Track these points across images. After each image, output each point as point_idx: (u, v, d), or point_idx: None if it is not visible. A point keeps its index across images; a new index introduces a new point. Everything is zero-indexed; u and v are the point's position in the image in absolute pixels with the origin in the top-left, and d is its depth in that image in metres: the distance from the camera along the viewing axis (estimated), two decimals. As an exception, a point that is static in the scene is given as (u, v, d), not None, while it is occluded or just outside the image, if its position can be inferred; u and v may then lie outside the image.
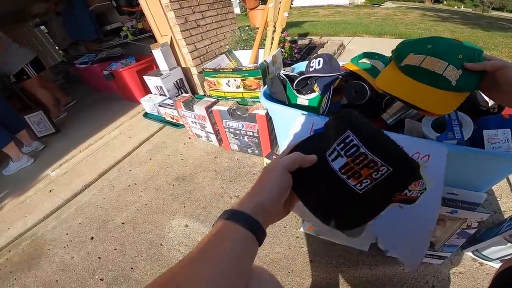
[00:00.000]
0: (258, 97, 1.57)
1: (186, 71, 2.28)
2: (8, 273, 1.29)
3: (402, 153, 0.35)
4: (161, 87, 2.10)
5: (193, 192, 1.49)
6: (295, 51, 2.62)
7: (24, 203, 1.71)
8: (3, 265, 1.34)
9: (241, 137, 1.58)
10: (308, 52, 3.21)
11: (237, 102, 1.62)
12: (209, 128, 1.69)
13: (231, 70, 1.51)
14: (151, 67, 2.48)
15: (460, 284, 0.90)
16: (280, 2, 1.83)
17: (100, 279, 1.17)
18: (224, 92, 1.65)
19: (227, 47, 2.50)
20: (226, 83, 1.59)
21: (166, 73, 2.10)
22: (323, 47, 3.26)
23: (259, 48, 1.90)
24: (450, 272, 0.94)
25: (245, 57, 2.03)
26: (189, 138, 1.96)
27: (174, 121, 2.04)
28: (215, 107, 1.56)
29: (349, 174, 0.37)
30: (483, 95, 0.78)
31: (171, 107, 1.96)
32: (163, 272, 0.30)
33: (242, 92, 1.58)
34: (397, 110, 0.85)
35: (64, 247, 1.36)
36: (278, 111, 1.04)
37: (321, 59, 1.04)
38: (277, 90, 1.12)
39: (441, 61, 0.56)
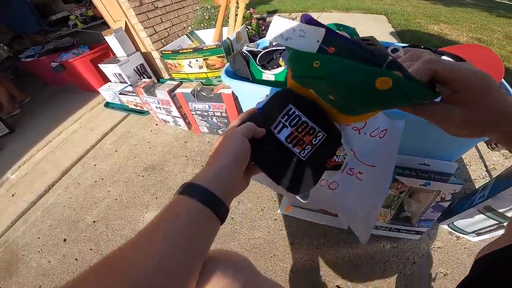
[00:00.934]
0: None
1: (147, 56, 2.12)
2: None
3: (330, 122, 0.42)
4: (120, 74, 1.95)
5: (164, 181, 1.45)
6: (263, 27, 2.52)
7: (-14, 210, 1.59)
8: None
9: (210, 119, 1.52)
10: None
11: (202, 83, 1.54)
12: (175, 112, 1.61)
13: (191, 50, 1.42)
14: (107, 55, 2.28)
15: (440, 259, 0.94)
16: (242, -23, 1.72)
17: None
18: (187, 73, 1.56)
19: (190, 28, 2.36)
20: (188, 64, 1.50)
21: (124, 59, 1.93)
22: None
23: (222, 26, 1.80)
24: (429, 247, 0.98)
25: (208, 37, 1.90)
26: (156, 124, 1.86)
27: (138, 108, 1.93)
28: (178, 90, 1.47)
29: (294, 142, 0.41)
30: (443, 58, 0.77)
31: (132, 93, 1.84)
32: (111, 250, 0.27)
33: (206, 72, 1.50)
34: None
35: (39, 251, 1.30)
36: (243, 89, 0.99)
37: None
38: (240, 67, 1.06)
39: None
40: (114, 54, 2.05)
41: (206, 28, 2.04)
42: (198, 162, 1.49)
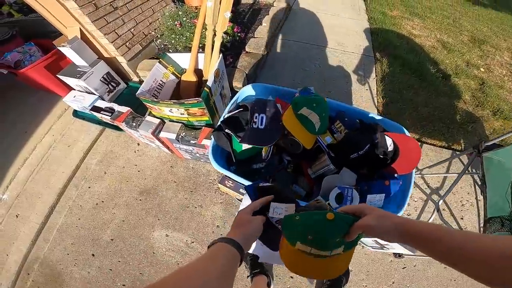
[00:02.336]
0: (204, 121, 1.68)
1: (112, 61, 1.99)
2: None
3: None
4: (85, 87, 1.90)
5: (161, 205, 1.85)
6: (237, 31, 2.37)
7: (-1, 231, 1.83)
8: (35, 286, 1.64)
9: (193, 154, 1.82)
10: (252, 18, 2.89)
11: (184, 124, 1.70)
12: (158, 143, 1.83)
13: (172, 103, 1.54)
14: (63, 58, 2.00)
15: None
16: (220, 2, 1.62)
17: (123, 285, 1.62)
18: (168, 115, 1.69)
19: (157, 35, 2.12)
20: (169, 111, 1.63)
21: (87, 70, 1.84)
22: (268, 12, 2.98)
23: (198, 52, 1.76)
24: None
25: (182, 60, 1.86)
26: (138, 144, 2.05)
27: (115, 124, 2.00)
28: (162, 134, 1.67)
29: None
30: (386, 139, 1.16)
31: (108, 114, 1.89)
32: (170, 274, 0.44)
33: (187, 117, 1.67)
34: (318, 168, 1.28)
35: (75, 265, 1.68)
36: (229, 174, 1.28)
37: (264, 117, 1.23)
38: (223, 143, 1.34)
39: (325, 251, 0.63)
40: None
41: (178, 51, 1.92)
42: (186, 188, 1.89)
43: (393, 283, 1.57)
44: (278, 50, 2.63)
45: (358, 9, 3.77)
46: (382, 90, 2.39)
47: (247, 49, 2.43)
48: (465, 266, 0.46)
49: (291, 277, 1.60)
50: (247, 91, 1.52)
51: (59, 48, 1.77)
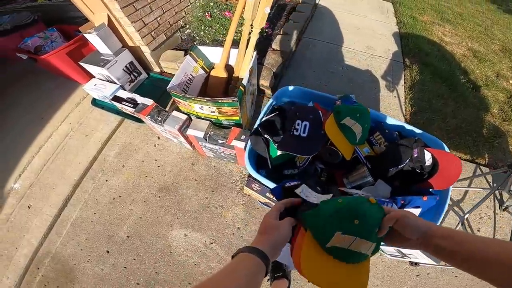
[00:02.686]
0: (234, 120, 1.60)
1: (135, 50, 1.91)
2: None
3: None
4: (108, 75, 1.81)
5: (181, 203, 1.77)
6: (266, 27, 2.27)
7: (9, 221, 1.75)
8: (45, 281, 1.59)
9: (218, 153, 1.73)
10: (278, 14, 2.80)
11: (212, 122, 1.62)
12: (181, 139, 1.74)
13: (205, 100, 1.46)
14: (86, 46, 1.94)
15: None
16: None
17: (137, 283, 1.56)
18: (196, 112, 1.61)
19: (185, 24, 2.02)
20: (199, 107, 1.55)
21: (111, 59, 1.76)
22: (294, 9, 2.90)
23: (231, 48, 1.68)
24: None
25: (213, 54, 1.77)
26: (158, 138, 1.97)
27: (138, 116, 1.92)
28: (189, 132, 1.58)
29: None
30: (426, 154, 1.12)
31: (130, 105, 1.81)
32: (202, 282, 0.44)
33: (217, 116, 1.59)
34: (356, 179, 1.20)
35: (88, 261, 1.62)
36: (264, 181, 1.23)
37: (307, 125, 1.16)
38: (260, 148, 1.28)
39: (368, 242, 0.57)
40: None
41: (205, 44, 1.85)
42: (208, 187, 1.80)
43: None
44: (304, 49, 2.53)
45: (386, 12, 3.66)
46: (411, 99, 2.31)
47: (273, 46, 2.34)
48: (483, 270, 0.46)
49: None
50: (284, 93, 1.45)
51: (85, 34, 1.69)
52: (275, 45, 2.35)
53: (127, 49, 1.88)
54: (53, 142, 1.95)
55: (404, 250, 1.35)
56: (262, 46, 2.30)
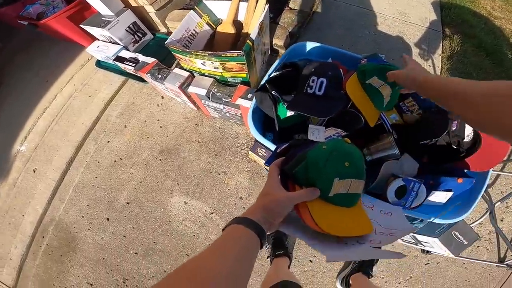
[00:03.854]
0: (241, 77, 1.41)
1: (139, 10, 1.76)
2: (59, 257, 1.55)
3: None
4: (109, 36, 1.71)
5: (182, 167, 1.62)
6: None
7: (16, 186, 1.75)
8: (49, 251, 1.58)
9: (223, 113, 1.56)
10: None
11: (216, 79, 1.44)
12: (184, 98, 1.60)
13: (207, 54, 1.29)
14: (87, 8, 1.84)
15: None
16: None
17: (135, 253, 1.49)
18: (199, 68, 1.46)
19: None
20: (202, 63, 1.39)
21: (113, 20, 1.64)
22: None
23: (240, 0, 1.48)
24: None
25: (219, 9, 1.58)
26: (162, 97, 1.82)
27: (138, 75, 1.82)
28: (191, 89, 1.41)
29: None
30: (466, 127, 0.94)
31: (132, 65, 1.69)
32: (188, 260, 0.37)
33: (221, 72, 1.42)
34: (379, 150, 0.99)
35: (89, 229, 1.57)
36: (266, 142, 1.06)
37: (324, 82, 0.95)
38: (266, 107, 1.10)
39: (362, 181, 0.58)
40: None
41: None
42: (211, 150, 1.63)
43: (410, 277, 1.41)
44: (326, 10, 2.25)
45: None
46: (448, 69, 1.96)
47: (291, 5, 2.10)
48: (462, 109, 0.49)
49: (310, 260, 1.42)
50: (299, 49, 1.25)
51: None
52: (293, 3, 2.10)
53: (129, 9, 1.75)
54: (57, 103, 1.90)
55: (419, 237, 1.26)
56: (278, 4, 2.08)
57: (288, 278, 0.99)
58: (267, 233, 0.49)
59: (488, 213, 1.34)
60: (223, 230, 0.46)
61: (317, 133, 0.88)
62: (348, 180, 0.55)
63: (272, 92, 1.04)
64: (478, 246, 1.46)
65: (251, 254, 0.42)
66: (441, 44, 2.11)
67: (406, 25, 2.18)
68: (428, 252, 1.39)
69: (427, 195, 0.90)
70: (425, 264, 1.43)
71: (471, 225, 1.27)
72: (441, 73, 1.94)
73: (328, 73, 0.96)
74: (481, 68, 2.09)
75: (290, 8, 2.10)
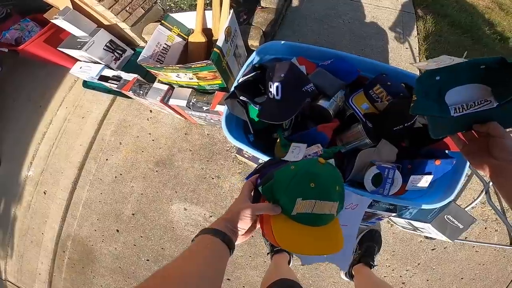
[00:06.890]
0: (217, 84, 1.45)
1: (113, 28, 1.78)
2: (81, 268, 1.72)
3: None
4: (89, 57, 1.76)
5: (178, 176, 1.73)
6: None
7: (30, 208, 1.90)
8: (71, 263, 1.75)
9: (207, 120, 1.63)
10: None
11: (195, 89, 1.50)
12: (169, 110, 1.66)
13: (178, 68, 1.35)
14: (62, 30, 1.82)
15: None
16: None
17: (147, 260, 1.64)
18: (176, 81, 1.51)
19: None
20: (176, 76, 1.45)
21: (87, 40, 1.67)
22: None
23: (205, 9, 1.50)
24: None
25: (188, 20, 1.59)
26: (150, 111, 1.90)
27: (125, 92, 1.89)
28: (172, 101, 1.48)
29: None
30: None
31: (115, 83, 1.75)
32: (165, 264, 0.43)
33: (197, 82, 1.48)
34: (350, 140, 1.05)
35: (102, 241, 1.72)
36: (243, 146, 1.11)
37: (279, 85, 0.98)
38: (238, 112, 1.14)
39: (329, 203, 0.57)
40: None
41: (183, 10, 1.69)
42: (203, 157, 1.73)
43: (418, 264, 1.44)
44: (298, 4, 2.25)
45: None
46: (426, 50, 1.95)
47: (262, 3, 2.09)
48: None
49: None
50: (265, 50, 1.26)
51: (52, 21, 1.60)
52: (264, 2, 2.09)
53: (102, 29, 1.78)
54: (54, 127, 2.01)
55: (415, 224, 1.27)
56: (249, 5, 2.07)
57: (287, 276, 0.99)
58: (236, 242, 0.55)
59: (484, 192, 1.34)
60: (192, 240, 0.51)
61: (297, 152, 0.90)
62: (311, 201, 0.55)
63: (240, 98, 1.07)
64: (486, 228, 1.46)
65: (219, 258, 0.49)
66: (415, 26, 2.11)
67: (378, 9, 2.17)
68: (432, 238, 1.39)
69: (406, 180, 0.93)
70: (432, 249, 1.46)
71: (469, 207, 1.31)
72: (419, 54, 1.96)
73: (280, 75, 0.99)
74: (460, 46, 2.09)
75: (262, 7, 2.08)
